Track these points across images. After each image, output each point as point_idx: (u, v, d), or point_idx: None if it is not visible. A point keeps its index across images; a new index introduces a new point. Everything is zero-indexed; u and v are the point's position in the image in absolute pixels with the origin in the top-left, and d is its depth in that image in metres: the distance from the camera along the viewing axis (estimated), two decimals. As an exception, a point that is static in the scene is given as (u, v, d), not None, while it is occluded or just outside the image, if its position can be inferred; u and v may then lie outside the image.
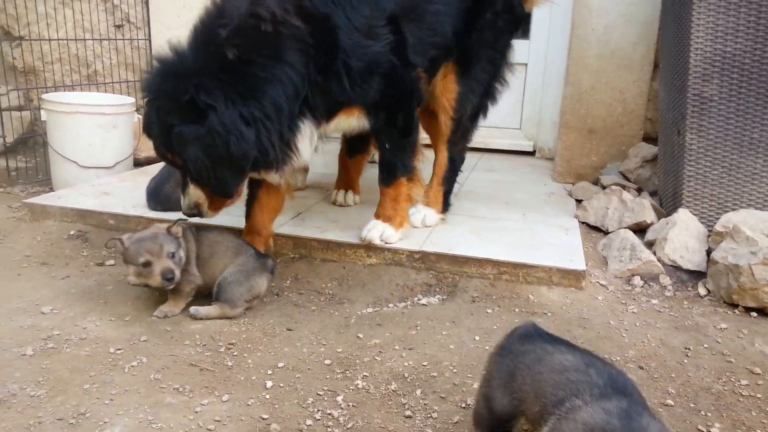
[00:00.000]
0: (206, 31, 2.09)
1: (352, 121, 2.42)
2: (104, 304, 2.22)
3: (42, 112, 3.58)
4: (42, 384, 1.70)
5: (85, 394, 1.67)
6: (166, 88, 2.06)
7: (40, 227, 2.92)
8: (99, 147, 3.54)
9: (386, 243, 2.55)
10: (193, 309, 2.14)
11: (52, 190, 3.61)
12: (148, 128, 2.16)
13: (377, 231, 2.55)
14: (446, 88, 2.77)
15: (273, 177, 2.30)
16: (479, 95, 2.86)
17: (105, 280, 2.41)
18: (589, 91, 3.67)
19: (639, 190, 3.36)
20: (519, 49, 4.43)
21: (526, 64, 4.48)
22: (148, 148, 4.04)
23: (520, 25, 2.99)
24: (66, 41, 4.34)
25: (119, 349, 1.91)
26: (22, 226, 2.95)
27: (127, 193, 3.19)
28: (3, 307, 2.15)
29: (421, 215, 2.88)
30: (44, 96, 3.62)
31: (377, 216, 2.62)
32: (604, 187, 3.40)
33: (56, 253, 2.65)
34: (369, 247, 2.57)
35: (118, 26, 4.43)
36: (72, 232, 2.85)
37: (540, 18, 4.39)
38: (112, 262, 2.58)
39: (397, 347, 1.99)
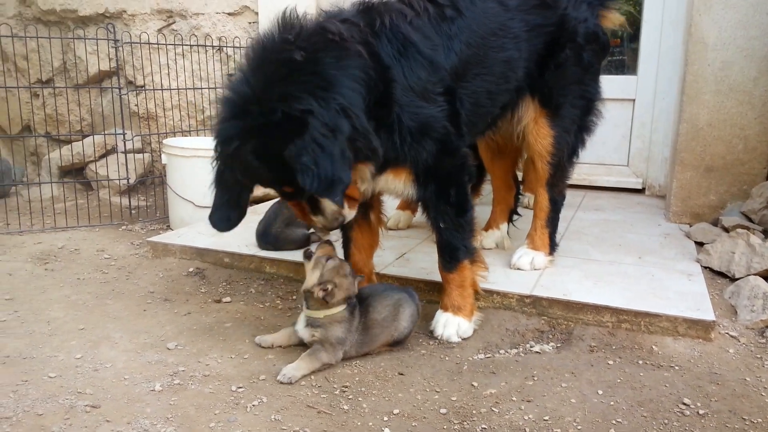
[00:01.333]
0: (268, 44, 2.02)
1: (399, 184, 2.28)
2: (223, 341, 2.29)
3: (162, 155, 3.82)
4: (171, 421, 1.77)
5: (211, 432, 1.72)
6: (249, 123, 1.93)
7: (161, 264, 3.09)
8: (213, 188, 3.72)
9: (461, 338, 2.33)
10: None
11: (169, 227, 3.83)
12: (252, 174, 2.04)
13: (452, 327, 2.34)
14: (539, 134, 2.71)
15: (366, 175, 2.21)
16: (574, 134, 2.79)
17: (223, 318, 2.50)
18: (705, 128, 3.48)
19: (765, 233, 3.12)
20: (627, 84, 4.35)
21: (633, 100, 4.35)
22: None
23: (607, 52, 2.90)
24: (183, 90, 4.64)
25: (240, 387, 1.96)
26: (144, 263, 3.13)
27: (239, 232, 3.30)
28: (132, 342, 2.27)
29: (529, 257, 2.81)
30: (165, 141, 3.87)
31: (445, 308, 2.39)
32: (725, 229, 3.19)
33: (177, 290, 2.78)
34: (477, 290, 2.51)
35: (230, 75, 4.68)
36: (191, 269, 3.00)
37: (648, 52, 4.27)
38: (228, 299, 2.68)
39: (514, 398, 1.92)
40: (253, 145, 1.93)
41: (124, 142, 4.25)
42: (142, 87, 4.90)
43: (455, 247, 2.35)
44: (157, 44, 4.57)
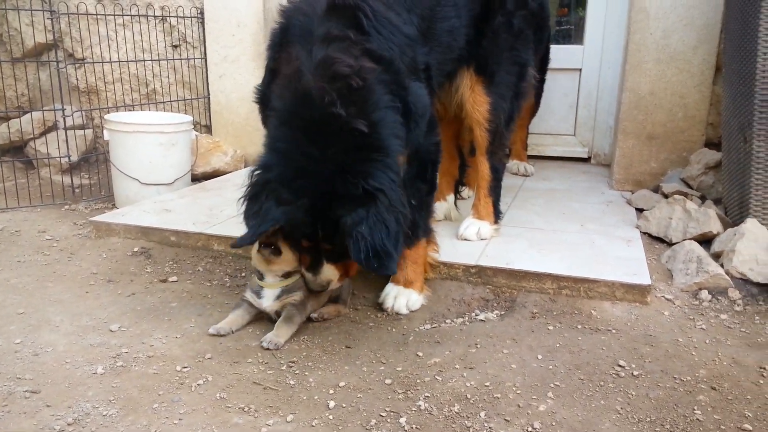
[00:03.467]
0: (312, 115, 1.95)
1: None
2: (169, 321, 2.27)
3: (105, 131, 3.71)
4: (113, 403, 1.76)
5: (154, 413, 1.71)
6: (322, 190, 1.94)
7: (105, 244, 3.03)
8: (159, 164, 3.65)
9: (411, 310, 2.37)
10: (315, 314, 2.27)
11: (114, 206, 3.74)
12: (293, 225, 2.03)
13: (403, 299, 2.37)
14: (476, 101, 2.73)
15: None
16: (510, 100, 2.82)
17: (168, 297, 2.47)
18: (647, 96, 3.56)
19: (702, 198, 3.24)
20: (573, 54, 4.39)
21: (580, 69, 4.41)
22: (204, 164, 4.16)
23: (537, 18, 2.94)
24: (126, 62, 4.49)
25: (185, 367, 1.95)
26: (87, 244, 3.06)
27: (187, 210, 3.27)
28: (74, 325, 2.23)
29: (475, 228, 2.86)
30: (107, 116, 3.76)
31: (396, 281, 2.42)
32: (665, 195, 3.30)
33: (121, 270, 2.73)
34: (427, 269, 2.53)
35: (175, 46, 4.55)
36: (135, 249, 2.94)
37: (594, 22, 4.32)
38: (174, 278, 2.65)
39: (457, 366, 1.97)
40: (310, 203, 1.96)
41: (63, 118, 4.11)
42: (82, 60, 4.72)
43: (417, 225, 2.37)
44: (96, 15, 4.39)
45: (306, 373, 1.94)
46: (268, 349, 2.07)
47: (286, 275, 2.20)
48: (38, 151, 4.41)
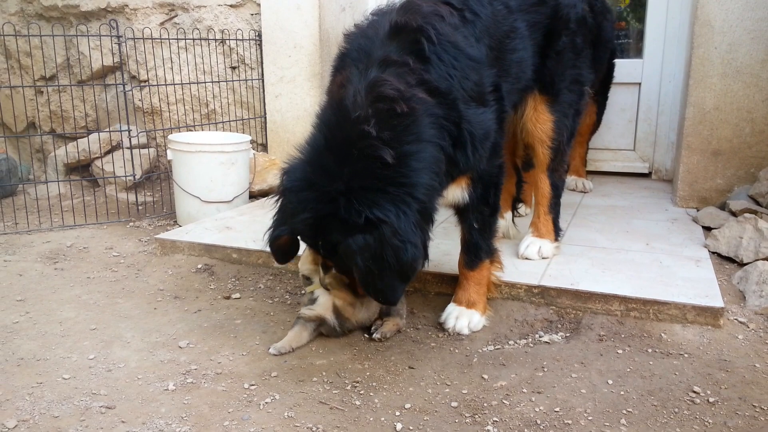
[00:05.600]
0: (343, 122, 1.92)
1: (458, 192, 2.26)
2: (234, 338, 2.31)
3: (168, 151, 3.83)
4: (185, 420, 1.79)
5: (225, 431, 1.74)
6: (325, 209, 1.89)
7: (169, 261, 3.11)
8: (219, 183, 3.74)
9: (473, 331, 2.35)
10: (377, 333, 2.28)
11: (176, 223, 3.85)
12: (303, 236, 2.07)
13: (464, 320, 2.35)
14: (539, 120, 2.72)
15: None
16: (572, 118, 2.81)
17: (233, 314, 2.52)
18: (712, 111, 3.46)
19: (773, 216, 3.11)
20: (632, 68, 4.31)
21: (639, 84, 4.32)
22: (260, 182, 4.24)
23: (594, 35, 2.91)
24: (187, 84, 4.63)
25: (253, 385, 1.98)
26: (153, 260, 3.15)
27: (247, 227, 3.33)
28: (144, 341, 2.30)
29: (536, 246, 2.82)
30: (170, 137, 3.88)
31: (459, 302, 2.40)
32: (733, 213, 3.18)
33: (186, 287, 2.80)
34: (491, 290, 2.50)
35: (234, 68, 4.68)
36: (199, 266, 3.01)
37: (654, 36, 4.23)
38: (237, 295, 2.69)
39: (525, 390, 1.93)
40: (312, 219, 1.93)
41: (129, 138, 4.26)
42: (145, 82, 4.90)
43: (480, 247, 2.37)
44: (160, 39, 4.55)
45: (371, 394, 1.94)
46: (273, 354, 2.16)
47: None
48: (103, 170, 4.58)
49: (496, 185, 2.34)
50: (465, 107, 2.07)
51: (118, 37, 4.03)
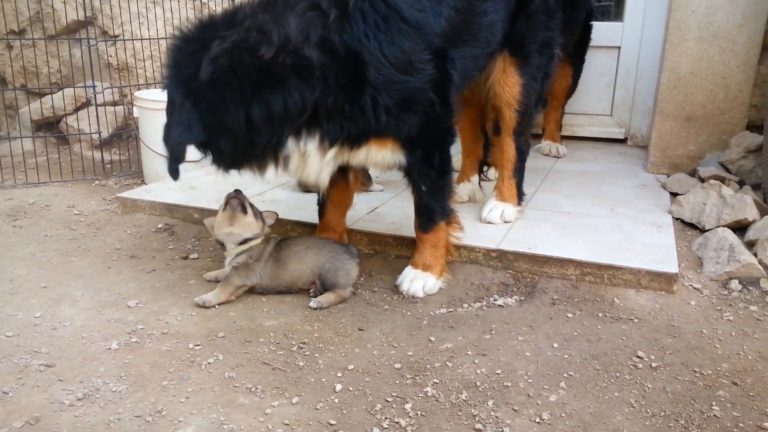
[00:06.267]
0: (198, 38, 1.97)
1: (386, 154, 2.21)
2: (185, 298, 2.29)
3: (134, 108, 3.74)
4: (124, 379, 1.78)
5: (162, 390, 1.73)
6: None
7: (130, 220, 3.07)
8: (186, 142, 3.66)
9: (428, 294, 2.33)
10: (313, 302, 2.22)
11: (143, 182, 3.79)
12: None
13: (419, 282, 2.33)
14: (507, 83, 2.67)
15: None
16: (540, 81, 2.75)
17: (188, 274, 2.49)
18: (687, 76, 3.40)
19: (741, 183, 3.09)
20: (612, 31, 4.22)
21: (619, 48, 4.24)
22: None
23: None
24: (157, 39, 4.51)
25: (197, 345, 1.96)
26: (114, 219, 3.11)
27: (210, 187, 3.28)
28: (93, 300, 2.27)
29: (498, 210, 2.79)
30: (136, 93, 3.78)
31: (415, 265, 2.39)
32: (702, 180, 3.16)
33: (144, 246, 2.77)
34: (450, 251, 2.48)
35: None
36: (160, 226, 2.97)
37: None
38: (195, 255, 2.66)
39: (469, 352, 1.93)
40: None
41: (95, 95, 4.16)
42: (115, 37, 4.76)
43: (433, 209, 2.33)
44: (129, -8, 4.41)
45: (316, 355, 1.93)
46: (200, 305, 2.20)
47: (244, 242, 2.26)
48: (71, 127, 4.49)
49: (441, 148, 2.28)
50: (375, 72, 1.99)
51: (83, -11, 3.90)
